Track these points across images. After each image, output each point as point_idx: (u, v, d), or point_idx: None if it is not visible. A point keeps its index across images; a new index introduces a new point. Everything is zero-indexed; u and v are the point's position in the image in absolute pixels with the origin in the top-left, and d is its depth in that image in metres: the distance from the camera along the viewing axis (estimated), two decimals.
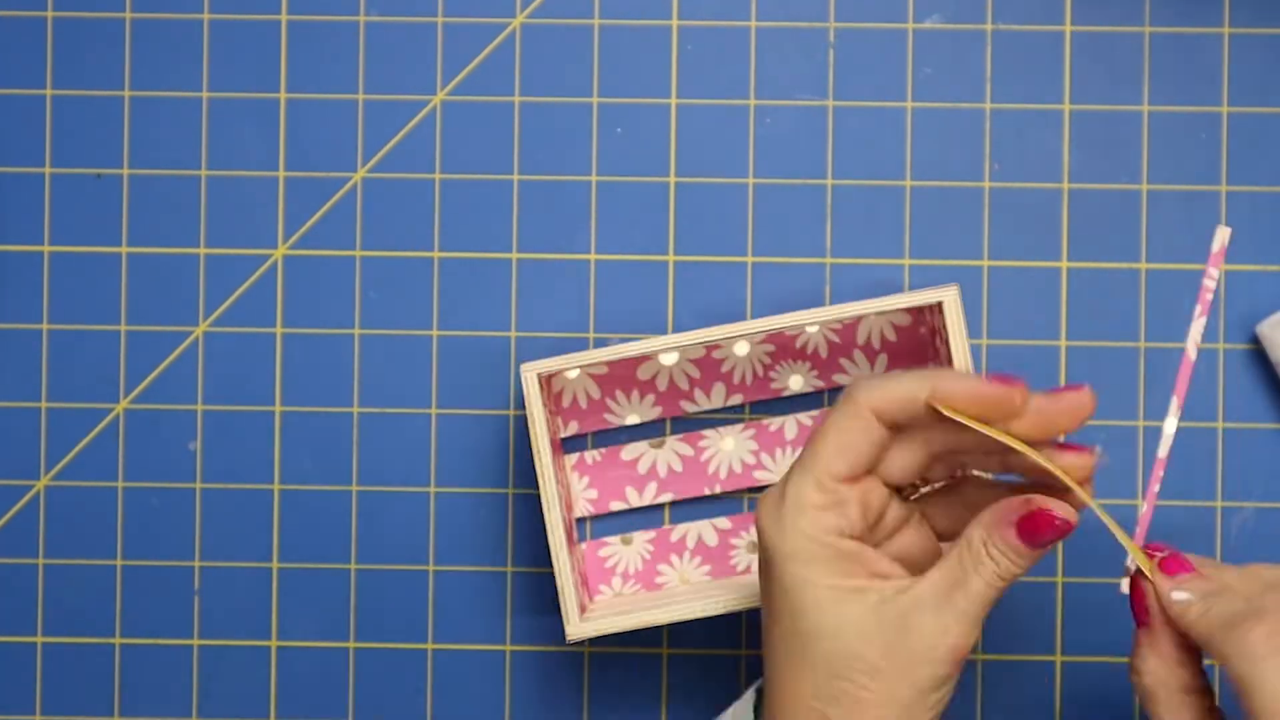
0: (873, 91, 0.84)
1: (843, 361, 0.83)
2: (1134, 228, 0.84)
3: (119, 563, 0.84)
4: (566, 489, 0.82)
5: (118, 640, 0.84)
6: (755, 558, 0.83)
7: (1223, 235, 0.71)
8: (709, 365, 0.83)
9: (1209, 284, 0.71)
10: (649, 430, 0.84)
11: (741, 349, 0.82)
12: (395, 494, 0.84)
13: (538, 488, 0.79)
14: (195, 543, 0.84)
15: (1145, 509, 0.78)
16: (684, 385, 0.83)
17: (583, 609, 0.79)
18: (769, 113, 0.84)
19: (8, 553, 0.84)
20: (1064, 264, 0.84)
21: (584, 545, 0.84)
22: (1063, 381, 0.83)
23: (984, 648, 0.84)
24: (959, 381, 0.69)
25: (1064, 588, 0.83)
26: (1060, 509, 0.69)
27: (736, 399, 0.83)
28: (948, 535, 0.73)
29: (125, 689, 0.84)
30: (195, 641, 0.84)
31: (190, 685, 0.84)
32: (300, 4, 0.84)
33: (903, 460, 0.71)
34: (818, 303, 0.84)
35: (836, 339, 0.83)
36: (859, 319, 0.81)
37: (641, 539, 0.83)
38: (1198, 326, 0.74)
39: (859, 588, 0.69)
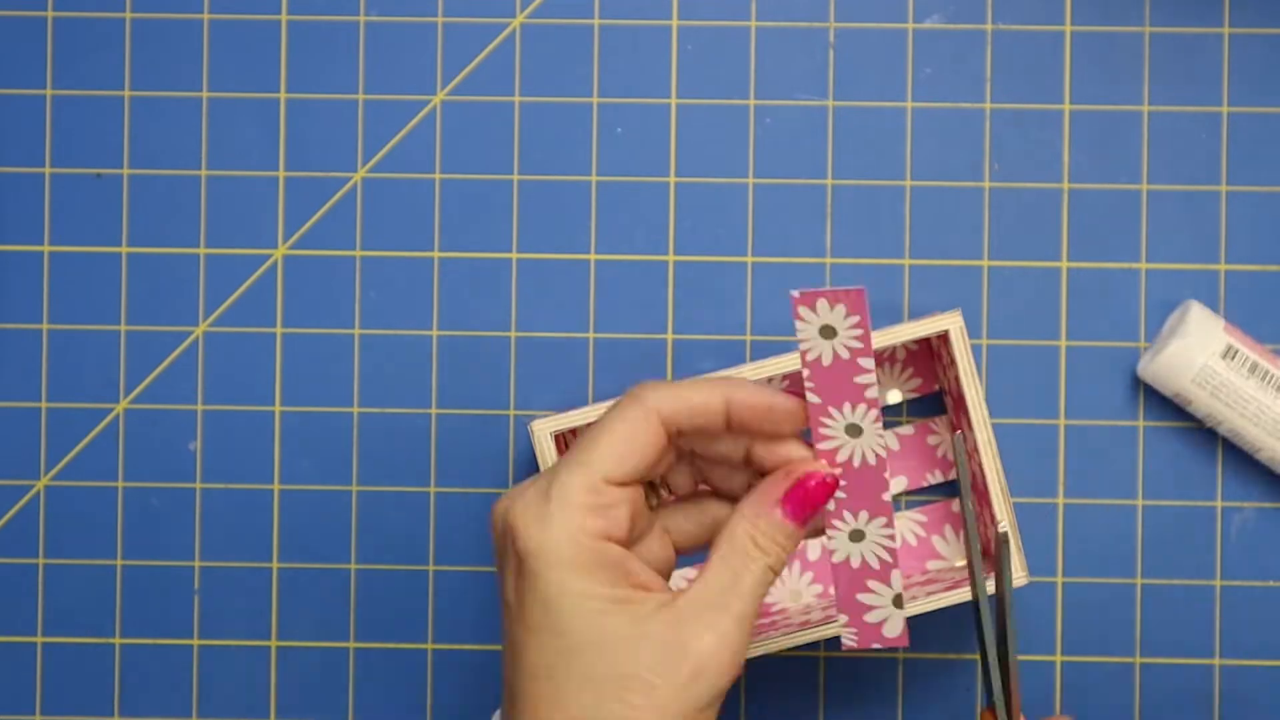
0: (873, 91, 0.84)
1: None
2: (1134, 228, 0.84)
3: (119, 563, 0.84)
4: None
5: (118, 640, 0.84)
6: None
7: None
8: None
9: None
10: None
11: None
12: (395, 494, 0.84)
13: None
14: (195, 543, 0.84)
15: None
16: None
17: None
18: (769, 113, 0.84)
19: (8, 553, 0.84)
20: (1064, 264, 0.84)
21: None
22: (1063, 381, 0.84)
23: None
24: (754, 395, 0.66)
25: (1064, 588, 0.83)
26: (820, 466, 0.66)
27: None
28: (684, 549, 0.69)
29: (125, 689, 0.84)
30: (195, 641, 0.84)
31: (190, 685, 0.84)
32: (300, 4, 0.84)
33: (663, 465, 0.68)
34: None
35: None
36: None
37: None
38: None
39: (625, 598, 0.64)
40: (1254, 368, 0.80)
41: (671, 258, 0.84)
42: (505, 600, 0.66)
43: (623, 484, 0.65)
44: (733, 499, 0.69)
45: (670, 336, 0.84)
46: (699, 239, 0.84)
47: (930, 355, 0.83)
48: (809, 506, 0.66)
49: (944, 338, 0.79)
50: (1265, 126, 0.83)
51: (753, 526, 0.66)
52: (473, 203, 0.84)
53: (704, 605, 0.65)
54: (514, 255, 0.84)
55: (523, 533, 0.65)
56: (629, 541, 0.66)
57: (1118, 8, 0.84)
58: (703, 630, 0.64)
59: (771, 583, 0.66)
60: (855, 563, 0.67)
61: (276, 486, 0.84)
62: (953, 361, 0.78)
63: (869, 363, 0.65)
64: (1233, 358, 0.80)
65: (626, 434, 0.65)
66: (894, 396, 0.83)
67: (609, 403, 0.77)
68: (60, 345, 0.84)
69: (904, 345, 0.82)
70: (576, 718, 0.63)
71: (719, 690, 0.64)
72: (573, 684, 0.64)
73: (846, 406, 0.66)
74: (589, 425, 0.68)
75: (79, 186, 0.85)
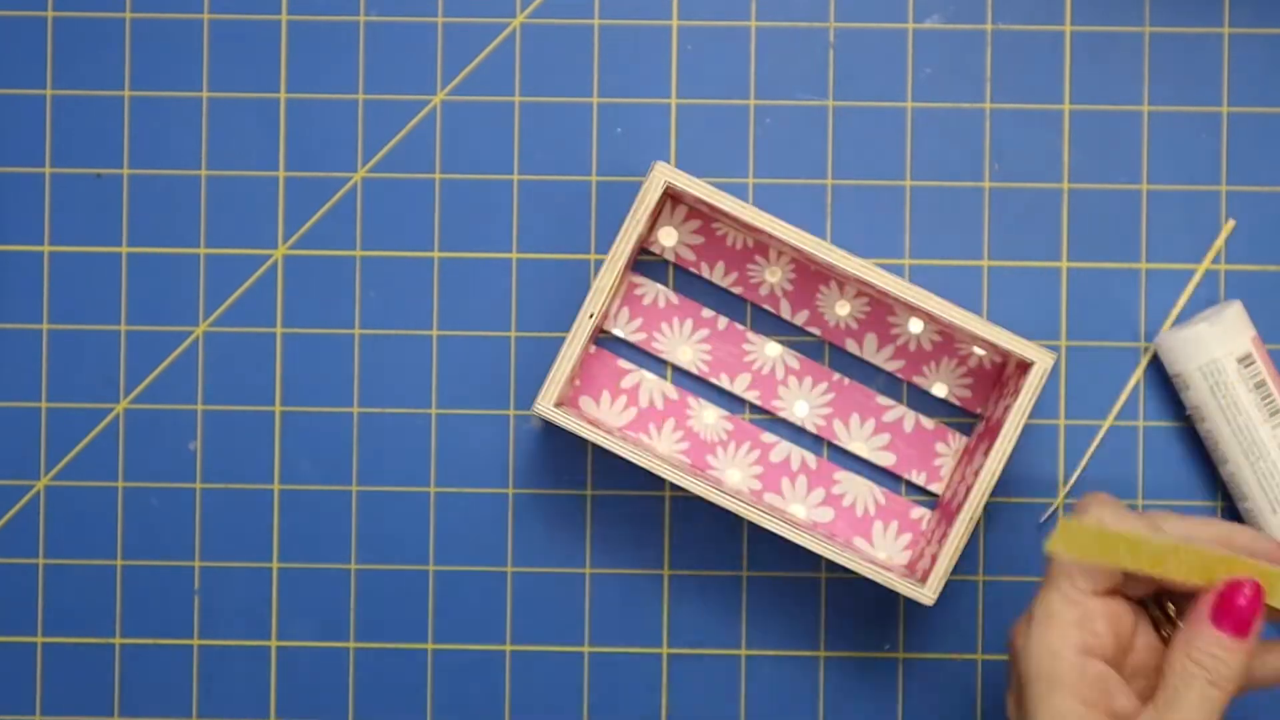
0: (873, 91, 0.84)
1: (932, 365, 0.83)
2: (1134, 228, 0.84)
3: (119, 563, 0.84)
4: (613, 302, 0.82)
5: (118, 640, 0.84)
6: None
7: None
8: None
9: None
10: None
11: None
12: (395, 494, 0.84)
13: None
14: (195, 543, 0.84)
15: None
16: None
17: (564, 401, 0.80)
18: (769, 113, 0.84)
19: (8, 553, 0.84)
20: (1064, 264, 0.84)
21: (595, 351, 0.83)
22: (1063, 382, 0.83)
23: (985, 648, 0.84)
24: (1256, 541, 0.71)
25: None
26: (1247, 577, 0.68)
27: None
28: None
29: (125, 689, 0.84)
30: (195, 641, 0.84)
31: (190, 685, 0.84)
32: (300, 4, 0.84)
33: (1140, 582, 0.71)
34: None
35: (938, 338, 0.83)
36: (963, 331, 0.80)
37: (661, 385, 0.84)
38: None
39: None
40: (1260, 385, 0.80)
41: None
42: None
43: (1095, 592, 0.69)
44: None
45: None
46: None
47: (992, 377, 0.83)
48: (1235, 613, 0.68)
49: (1022, 367, 0.79)
50: (1265, 126, 0.83)
51: (1188, 644, 0.68)
52: (473, 203, 0.84)
53: None
54: (514, 255, 0.84)
55: (1016, 654, 0.70)
56: (1117, 654, 0.69)
57: (1118, 8, 0.84)
58: None
59: (1221, 701, 0.67)
60: None
61: (276, 486, 0.84)
62: (1016, 391, 0.78)
63: None
64: (1247, 366, 0.80)
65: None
66: (939, 390, 0.83)
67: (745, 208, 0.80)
68: (60, 345, 0.84)
69: (983, 352, 0.82)
70: None
71: None
72: None
73: None
74: None
75: (79, 186, 0.85)
